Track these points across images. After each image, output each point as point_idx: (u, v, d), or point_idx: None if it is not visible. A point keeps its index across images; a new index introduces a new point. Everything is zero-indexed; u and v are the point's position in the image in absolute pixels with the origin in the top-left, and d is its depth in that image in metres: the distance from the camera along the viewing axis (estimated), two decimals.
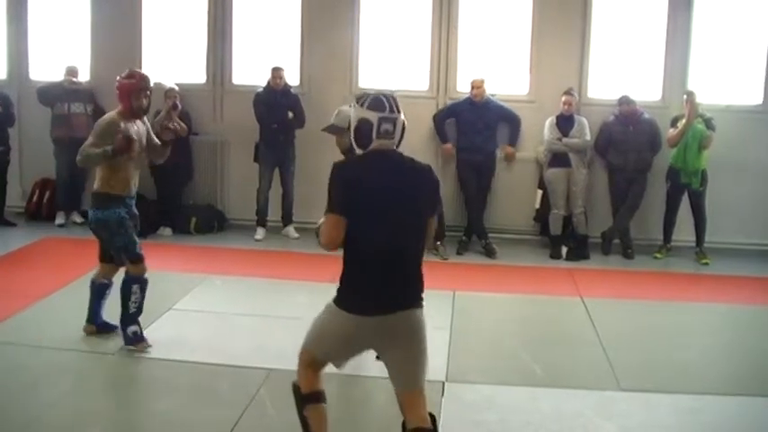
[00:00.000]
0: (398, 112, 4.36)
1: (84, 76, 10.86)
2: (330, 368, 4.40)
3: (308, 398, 4.39)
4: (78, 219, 10.71)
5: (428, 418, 4.14)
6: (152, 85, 6.52)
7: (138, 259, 6.28)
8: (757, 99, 10.28)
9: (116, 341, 6.32)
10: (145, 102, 6.32)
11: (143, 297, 6.28)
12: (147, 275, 6.33)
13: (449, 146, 10.33)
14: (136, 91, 6.25)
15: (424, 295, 4.18)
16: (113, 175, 6.25)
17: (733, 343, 7.03)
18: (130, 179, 6.38)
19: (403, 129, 4.38)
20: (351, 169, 4.21)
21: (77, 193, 10.78)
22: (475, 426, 5.23)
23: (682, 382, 6.07)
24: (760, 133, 10.17)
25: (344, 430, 5.02)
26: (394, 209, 4.07)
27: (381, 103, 4.32)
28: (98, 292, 6.51)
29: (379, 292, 4.07)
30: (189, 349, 6.31)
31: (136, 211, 6.61)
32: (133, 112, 6.28)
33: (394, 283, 4.08)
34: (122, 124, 6.14)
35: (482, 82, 10.05)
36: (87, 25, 11.00)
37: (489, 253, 9.96)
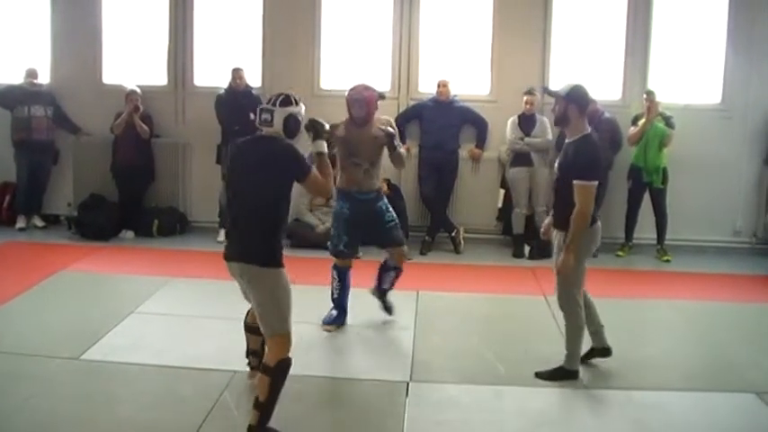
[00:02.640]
0: (280, 105, 5.07)
1: (44, 79, 10.76)
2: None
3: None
4: (39, 223, 10.67)
5: (270, 363, 4.88)
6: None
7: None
8: (716, 98, 10.40)
9: (79, 345, 6.27)
10: None
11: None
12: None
13: (406, 146, 10.36)
14: None
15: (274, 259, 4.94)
16: None
17: (693, 339, 7.10)
18: None
19: (289, 121, 5.06)
20: (233, 147, 5.35)
21: (38, 197, 10.72)
22: (439, 425, 5.24)
23: (643, 379, 6.12)
24: (719, 132, 10.29)
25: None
26: (239, 180, 5.06)
27: (268, 99, 5.21)
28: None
29: (229, 243, 5.14)
30: (152, 352, 6.27)
31: None
32: None
33: (234, 239, 5.10)
34: None
35: (448, 82, 10.11)
36: (47, 27, 10.91)
37: (455, 246, 10.01)
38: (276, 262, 4.95)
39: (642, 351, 6.68)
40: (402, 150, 7.03)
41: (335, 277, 7.05)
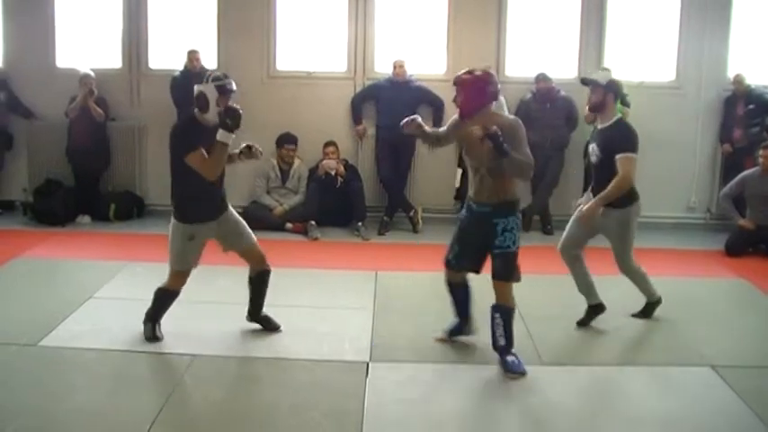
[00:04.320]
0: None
1: None
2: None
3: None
4: None
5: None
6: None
7: None
8: (670, 75, 10.50)
9: (36, 332, 6.23)
10: None
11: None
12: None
13: (361, 127, 10.42)
14: None
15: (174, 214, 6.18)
16: None
17: None
18: None
19: (198, 98, 5.89)
20: None
21: None
22: (399, 403, 5.27)
23: (600, 354, 6.21)
24: (673, 109, 10.42)
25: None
26: None
27: None
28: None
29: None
30: (111, 337, 6.24)
31: None
32: None
33: None
34: None
35: (404, 62, 10.12)
36: None
37: (413, 226, 10.06)
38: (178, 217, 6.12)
39: (600, 327, 6.75)
40: (519, 157, 5.50)
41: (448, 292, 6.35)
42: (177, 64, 10.22)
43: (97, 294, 7.28)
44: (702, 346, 6.38)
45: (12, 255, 8.44)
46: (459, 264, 6.08)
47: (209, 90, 5.81)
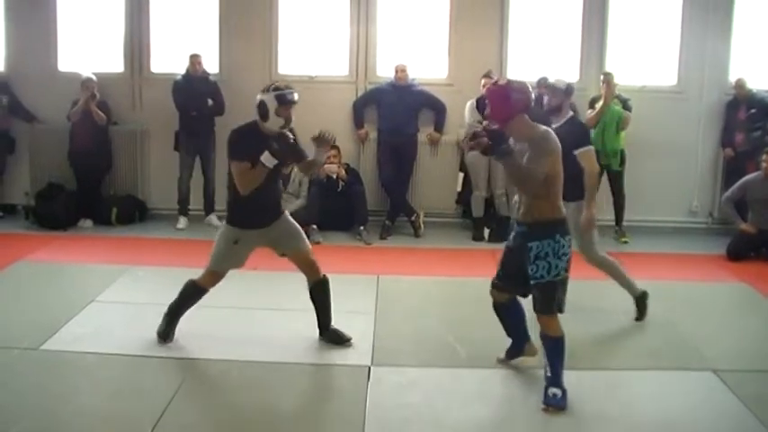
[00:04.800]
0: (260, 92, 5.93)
1: None
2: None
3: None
4: None
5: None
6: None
7: None
8: (672, 80, 10.50)
9: (38, 336, 6.23)
10: None
11: None
12: None
13: (363, 131, 10.43)
14: None
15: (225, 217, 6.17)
16: None
17: (651, 318, 7.14)
18: None
19: (259, 106, 5.92)
20: None
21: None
22: (400, 408, 5.26)
23: (602, 359, 6.20)
24: (674, 113, 10.43)
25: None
26: None
27: None
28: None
29: None
30: (112, 341, 6.23)
31: None
32: None
33: None
34: None
35: (405, 67, 10.14)
36: (1, 13, 10.78)
37: (415, 230, 10.06)
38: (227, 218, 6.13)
39: (601, 331, 6.76)
40: (519, 163, 5.10)
41: None
42: (179, 68, 10.22)
43: (99, 298, 7.27)
44: (704, 350, 6.37)
45: (13, 258, 8.44)
46: (504, 286, 5.63)
47: (270, 99, 5.79)
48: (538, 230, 5.23)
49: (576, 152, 6.52)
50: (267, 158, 5.68)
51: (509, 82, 5.40)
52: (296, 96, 5.89)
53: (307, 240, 6.24)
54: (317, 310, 6.29)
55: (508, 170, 5.25)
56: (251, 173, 5.74)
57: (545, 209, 5.21)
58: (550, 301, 5.26)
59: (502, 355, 5.98)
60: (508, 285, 5.59)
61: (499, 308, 5.76)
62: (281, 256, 6.24)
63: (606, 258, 7.11)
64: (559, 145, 5.18)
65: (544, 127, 5.28)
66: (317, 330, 6.31)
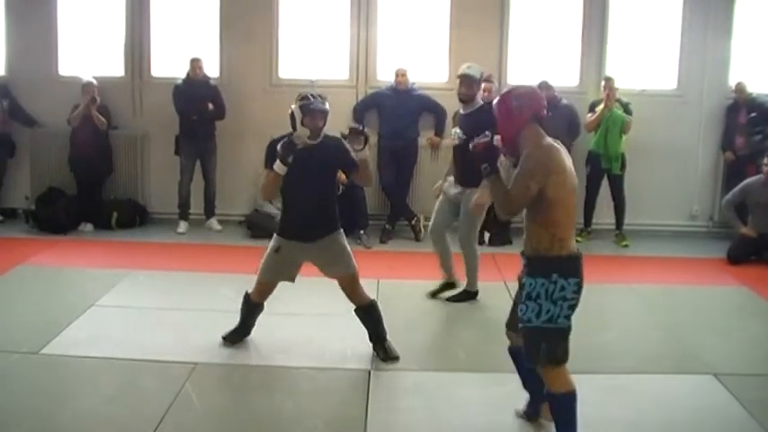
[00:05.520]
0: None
1: None
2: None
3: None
4: None
5: None
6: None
7: None
8: (672, 84, 10.51)
9: (38, 340, 6.23)
10: None
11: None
12: None
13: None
14: None
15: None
16: None
17: (651, 322, 7.16)
18: None
19: (289, 117, 5.94)
20: None
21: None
22: (401, 412, 5.27)
23: (603, 363, 6.19)
24: (675, 117, 10.43)
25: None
26: None
27: None
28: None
29: None
30: (112, 345, 6.23)
31: None
32: None
33: None
34: None
35: (406, 71, 10.14)
36: (1, 17, 10.78)
37: (415, 234, 10.06)
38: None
39: (601, 335, 6.75)
40: (501, 185, 4.50)
41: None
42: (180, 72, 10.21)
43: (99, 302, 7.27)
44: (705, 354, 6.38)
45: (14, 262, 8.44)
46: (512, 326, 4.83)
47: (296, 110, 5.85)
48: (533, 265, 4.50)
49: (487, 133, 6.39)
50: (277, 165, 5.70)
51: (512, 89, 4.76)
52: (321, 106, 5.91)
53: (352, 265, 6.12)
54: (367, 329, 6.26)
55: (490, 187, 4.59)
56: (265, 181, 5.89)
57: (543, 240, 4.43)
58: (536, 352, 4.46)
59: (521, 406, 5.20)
60: (512, 323, 4.85)
61: (513, 352, 4.97)
62: (326, 275, 6.23)
63: (475, 251, 7.48)
64: (562, 164, 4.43)
65: (547, 141, 4.58)
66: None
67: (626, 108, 9.83)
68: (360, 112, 10.40)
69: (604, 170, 9.91)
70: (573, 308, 4.46)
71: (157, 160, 10.73)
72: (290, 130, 5.87)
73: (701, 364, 6.17)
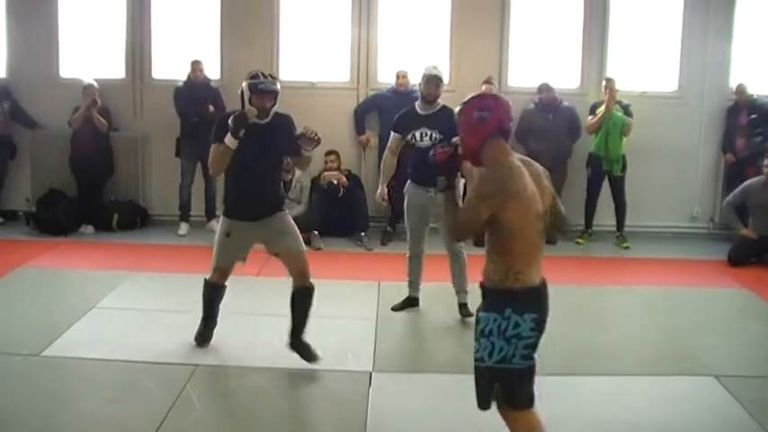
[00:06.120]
0: None
1: None
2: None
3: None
4: None
5: None
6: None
7: None
8: (673, 85, 10.51)
9: (39, 342, 6.23)
10: None
11: None
12: None
13: (364, 137, 10.43)
14: None
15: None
16: None
17: (652, 324, 7.16)
18: None
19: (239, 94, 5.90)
20: None
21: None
22: (402, 414, 5.26)
23: (604, 365, 6.19)
24: (675, 119, 10.43)
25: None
26: None
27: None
28: None
29: None
30: (113, 347, 6.23)
31: None
32: None
33: None
34: None
35: (407, 73, 10.13)
36: (2, 20, 10.78)
37: None
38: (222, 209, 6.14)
39: (602, 337, 6.76)
40: (454, 204, 4.22)
41: None
42: (180, 74, 10.22)
43: (100, 304, 7.28)
44: (705, 355, 6.37)
45: (15, 264, 8.44)
46: None
47: (245, 88, 5.78)
48: (488, 298, 4.12)
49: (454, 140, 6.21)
50: (228, 138, 5.68)
51: (476, 97, 4.15)
52: (270, 86, 5.77)
53: (301, 242, 6.00)
54: (293, 316, 5.95)
55: (445, 206, 4.23)
56: (215, 151, 5.82)
57: (498, 270, 4.04)
58: (488, 394, 4.01)
59: None
60: None
61: None
62: (274, 255, 6.04)
63: (463, 252, 7.43)
64: (524, 188, 3.87)
65: (511, 159, 3.99)
66: (288, 338, 5.98)
67: (626, 110, 9.83)
68: (360, 113, 10.41)
69: (605, 172, 9.91)
70: (531, 347, 3.93)
71: (158, 162, 10.73)
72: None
73: (701, 365, 6.17)
